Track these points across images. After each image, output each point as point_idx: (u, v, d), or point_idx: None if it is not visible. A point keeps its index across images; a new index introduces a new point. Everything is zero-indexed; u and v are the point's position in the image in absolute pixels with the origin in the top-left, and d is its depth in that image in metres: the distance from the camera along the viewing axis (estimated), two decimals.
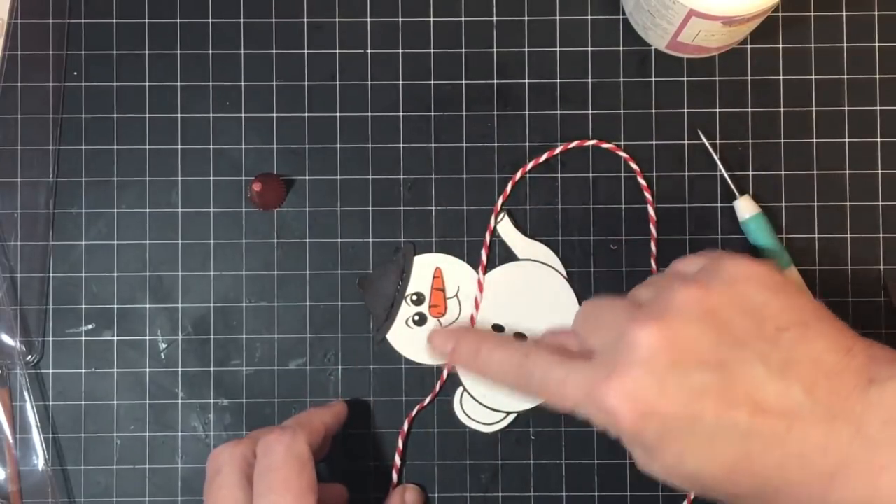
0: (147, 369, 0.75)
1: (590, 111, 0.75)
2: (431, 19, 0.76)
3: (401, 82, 0.76)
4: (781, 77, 0.75)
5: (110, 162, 0.75)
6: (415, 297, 0.75)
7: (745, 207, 0.73)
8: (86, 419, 0.75)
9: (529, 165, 0.75)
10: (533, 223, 0.75)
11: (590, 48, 0.76)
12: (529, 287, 0.75)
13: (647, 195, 0.75)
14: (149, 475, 0.74)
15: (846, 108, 0.75)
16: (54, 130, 0.75)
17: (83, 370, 0.75)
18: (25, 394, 0.74)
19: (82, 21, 0.76)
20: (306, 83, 0.76)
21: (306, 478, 0.63)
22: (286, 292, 0.75)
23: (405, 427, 0.74)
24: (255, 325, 0.75)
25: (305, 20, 0.76)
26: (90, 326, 0.75)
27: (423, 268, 0.75)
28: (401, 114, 0.75)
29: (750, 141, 0.75)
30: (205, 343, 0.75)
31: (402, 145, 0.75)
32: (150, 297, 0.75)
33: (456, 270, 0.75)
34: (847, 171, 0.75)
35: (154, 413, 0.75)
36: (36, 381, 0.74)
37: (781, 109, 0.75)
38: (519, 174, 0.75)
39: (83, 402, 0.75)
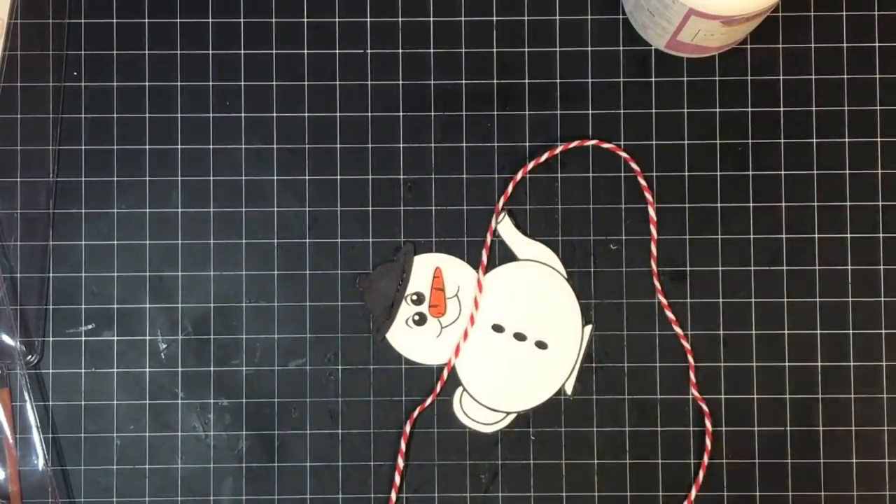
0: (147, 369, 0.75)
1: (590, 111, 0.75)
2: (431, 19, 0.76)
3: (401, 82, 0.76)
4: (781, 77, 0.75)
5: (110, 162, 0.75)
6: (415, 297, 0.75)
7: None
8: (86, 419, 0.74)
9: (529, 165, 0.75)
10: (533, 223, 0.75)
11: (590, 48, 0.76)
12: (529, 287, 0.75)
13: (647, 195, 0.75)
14: (149, 475, 0.74)
15: (846, 108, 0.75)
16: (54, 130, 0.75)
17: (83, 370, 0.75)
18: (25, 394, 0.74)
19: (82, 21, 0.76)
20: (306, 83, 0.76)
21: None
22: (286, 292, 0.75)
23: (407, 429, 0.74)
24: (255, 325, 0.75)
25: (305, 20, 0.76)
26: (90, 326, 0.75)
27: (423, 268, 0.75)
28: (401, 114, 0.75)
29: (750, 141, 0.75)
30: (205, 343, 0.75)
31: (402, 145, 0.75)
32: (150, 297, 0.75)
33: (456, 270, 0.75)
34: (847, 171, 0.75)
35: (154, 413, 0.75)
36: (36, 381, 0.74)
37: (781, 109, 0.75)
38: (519, 174, 0.75)
39: (83, 402, 0.75)
